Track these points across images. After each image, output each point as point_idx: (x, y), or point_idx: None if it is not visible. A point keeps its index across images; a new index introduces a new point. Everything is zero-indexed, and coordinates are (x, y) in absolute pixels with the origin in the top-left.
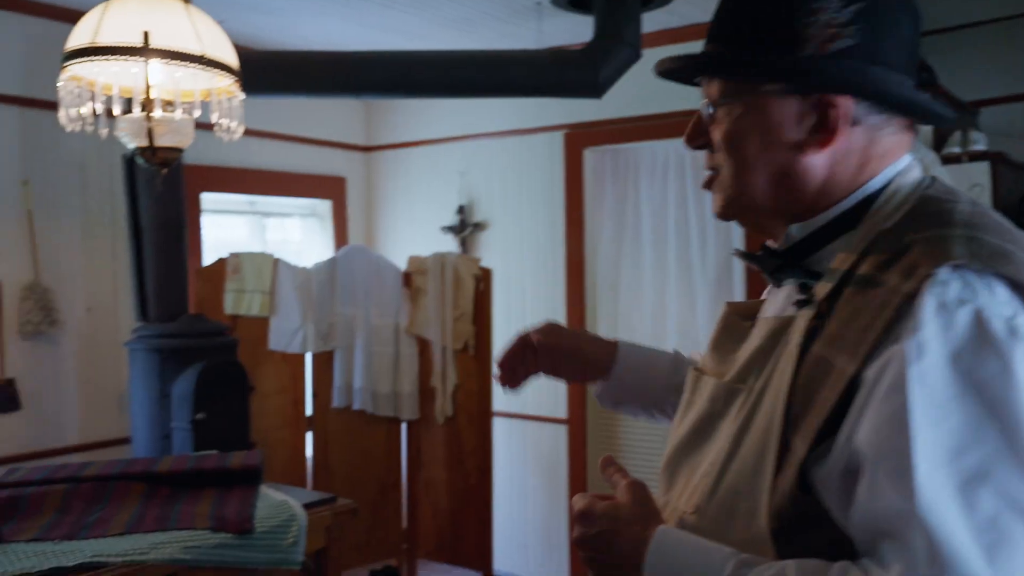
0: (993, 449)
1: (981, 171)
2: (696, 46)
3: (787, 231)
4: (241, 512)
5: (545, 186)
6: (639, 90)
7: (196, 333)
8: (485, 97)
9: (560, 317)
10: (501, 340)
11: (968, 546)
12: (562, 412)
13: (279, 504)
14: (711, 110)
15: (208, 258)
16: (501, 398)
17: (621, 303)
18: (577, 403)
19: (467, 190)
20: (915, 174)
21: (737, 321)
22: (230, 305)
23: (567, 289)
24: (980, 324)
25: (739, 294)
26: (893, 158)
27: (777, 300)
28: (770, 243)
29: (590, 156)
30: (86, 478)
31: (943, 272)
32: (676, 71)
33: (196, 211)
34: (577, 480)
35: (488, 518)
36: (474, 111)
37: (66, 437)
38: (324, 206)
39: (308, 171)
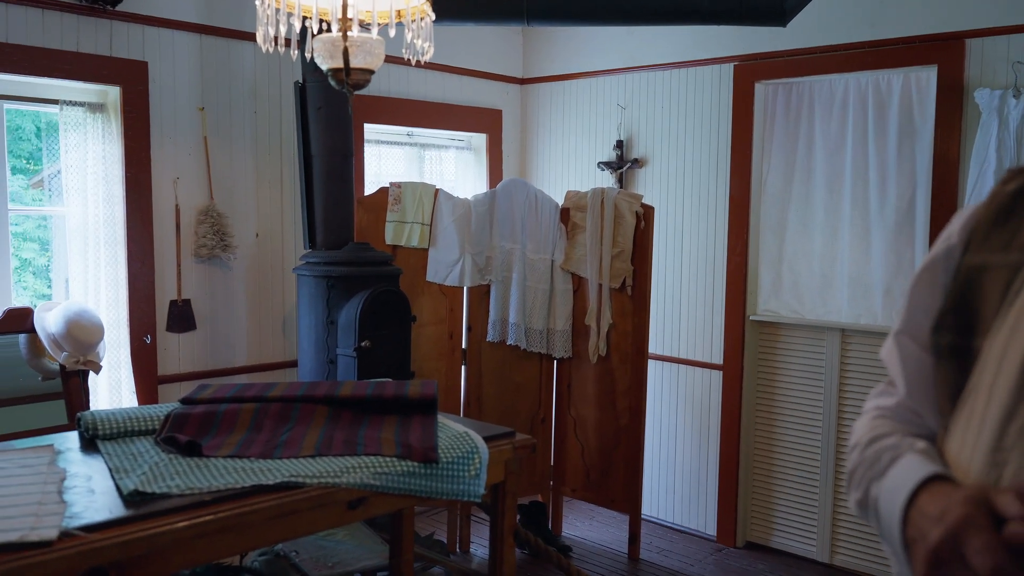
0: None
1: None
2: None
3: None
4: (425, 441)
5: (710, 121)
6: (822, 18)
7: (362, 261)
8: (663, 24)
9: (720, 259)
10: (659, 280)
11: None
12: (718, 357)
13: (461, 436)
14: None
15: (368, 189)
16: (655, 339)
17: (787, 246)
18: (733, 349)
19: (626, 125)
20: None
21: None
22: (390, 235)
23: (729, 229)
24: None
25: (921, 242)
26: None
27: None
28: None
29: (761, 90)
30: (273, 398)
31: None
32: None
33: (360, 141)
34: (730, 428)
35: (638, 461)
36: (635, 42)
37: (236, 358)
38: (479, 139)
39: (465, 103)
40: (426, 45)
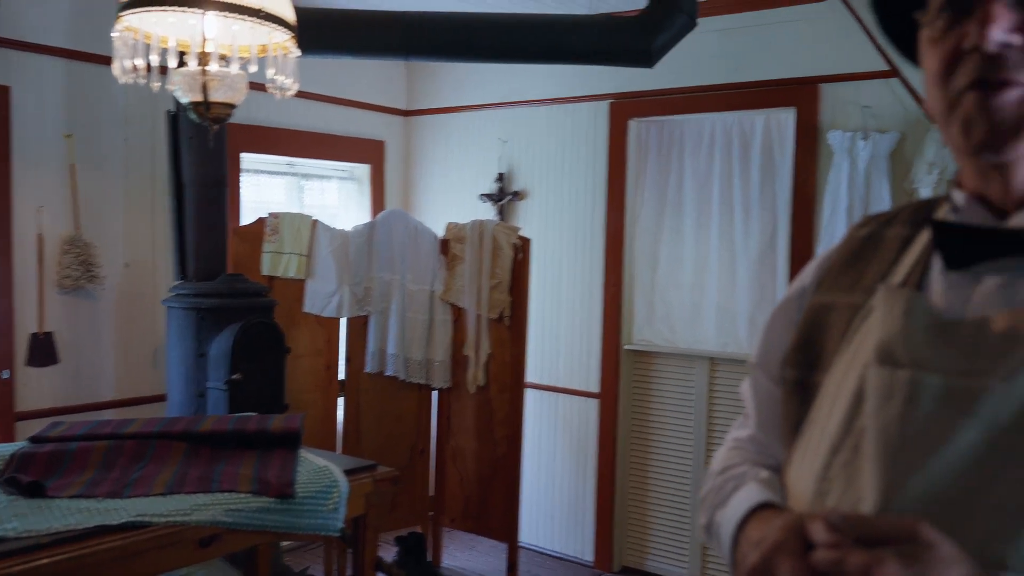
0: None
1: None
2: (754, 16)
3: None
4: (282, 476)
5: (587, 156)
6: (690, 60)
7: (234, 293)
8: (537, 63)
9: (597, 289)
10: (536, 311)
11: None
12: (594, 386)
13: (320, 470)
14: None
15: (247, 219)
16: (531, 368)
17: (659, 277)
18: (610, 377)
19: (507, 158)
20: None
21: (930, 311)
22: (267, 266)
23: (605, 261)
24: None
25: (782, 273)
26: None
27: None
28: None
29: (635, 127)
30: (129, 435)
31: None
32: None
33: (236, 171)
34: (606, 453)
35: (516, 489)
36: (517, 78)
37: (102, 392)
38: (362, 170)
39: (348, 134)
40: (289, 81)
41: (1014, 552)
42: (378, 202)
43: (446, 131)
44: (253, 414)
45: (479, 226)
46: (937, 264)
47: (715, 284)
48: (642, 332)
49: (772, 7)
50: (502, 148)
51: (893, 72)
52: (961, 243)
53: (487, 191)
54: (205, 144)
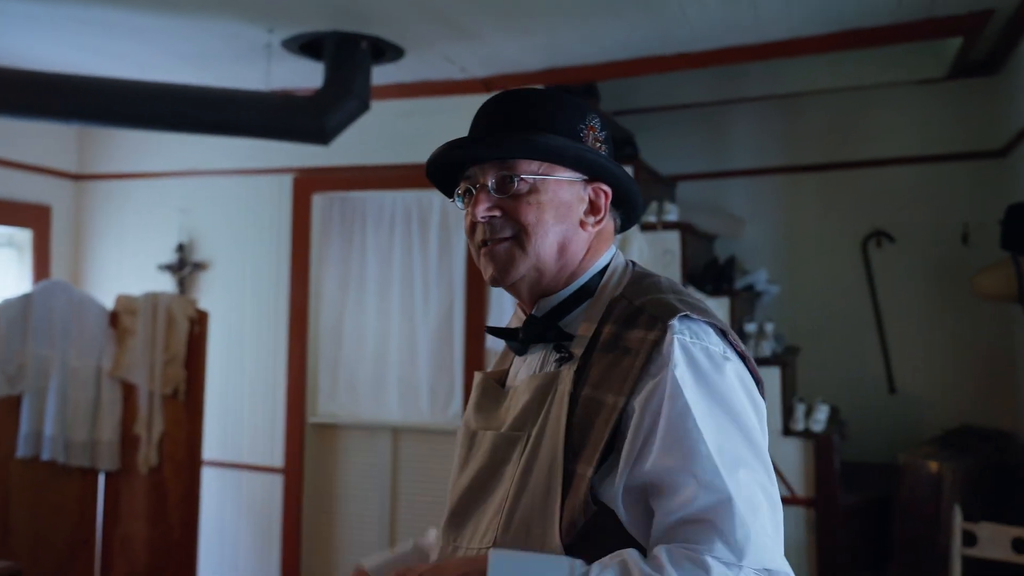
0: (740, 442)
1: (672, 239)
2: (422, 102)
3: (538, 303)
4: None
5: (271, 228)
6: (369, 139)
7: None
8: (210, 134)
9: (281, 363)
10: (215, 386)
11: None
12: (278, 461)
13: None
14: (515, 184)
15: None
16: (212, 445)
17: (344, 349)
18: (294, 451)
19: (188, 228)
20: (620, 256)
21: (494, 385)
22: None
23: (289, 334)
24: (709, 356)
25: (459, 343)
26: (611, 242)
27: (529, 364)
28: (510, 320)
29: (319, 201)
30: None
31: (676, 323)
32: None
33: None
34: (291, 531)
35: (191, 575)
36: (200, 146)
37: None
38: (23, 236)
39: (3, 196)
40: None
41: (498, 536)
42: (42, 271)
43: (122, 198)
44: None
45: (152, 298)
46: None
47: (397, 356)
48: (327, 405)
49: (438, 96)
50: (183, 218)
51: None
52: (514, 337)
53: (166, 262)
54: None
